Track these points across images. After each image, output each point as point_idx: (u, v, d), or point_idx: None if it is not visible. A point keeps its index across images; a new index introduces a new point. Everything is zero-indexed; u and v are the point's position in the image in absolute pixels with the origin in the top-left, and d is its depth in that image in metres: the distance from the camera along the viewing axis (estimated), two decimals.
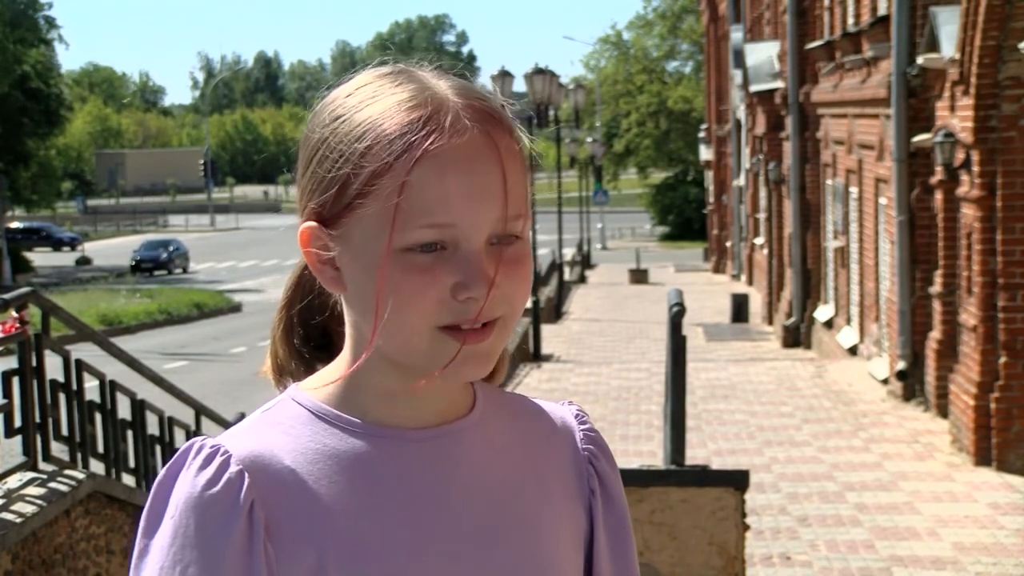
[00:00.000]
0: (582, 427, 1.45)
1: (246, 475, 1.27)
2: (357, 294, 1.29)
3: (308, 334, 1.42)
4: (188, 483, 1.27)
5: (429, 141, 1.25)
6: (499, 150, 1.27)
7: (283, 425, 1.31)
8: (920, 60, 11.90)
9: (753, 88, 22.55)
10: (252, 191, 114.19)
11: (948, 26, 10.82)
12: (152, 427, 8.30)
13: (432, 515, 1.30)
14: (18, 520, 5.91)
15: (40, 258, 54.48)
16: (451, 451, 1.33)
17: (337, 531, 1.27)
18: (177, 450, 1.40)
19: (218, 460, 1.28)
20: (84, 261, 53.54)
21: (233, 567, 1.25)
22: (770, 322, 22.70)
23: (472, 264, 1.25)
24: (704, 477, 6.41)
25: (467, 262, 1.25)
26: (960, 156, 10.58)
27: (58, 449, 6.99)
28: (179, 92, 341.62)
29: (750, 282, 30.54)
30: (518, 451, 1.38)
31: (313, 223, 1.31)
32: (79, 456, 7.13)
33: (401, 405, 1.33)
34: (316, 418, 1.32)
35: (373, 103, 1.29)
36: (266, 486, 1.27)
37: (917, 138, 12.33)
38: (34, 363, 6.67)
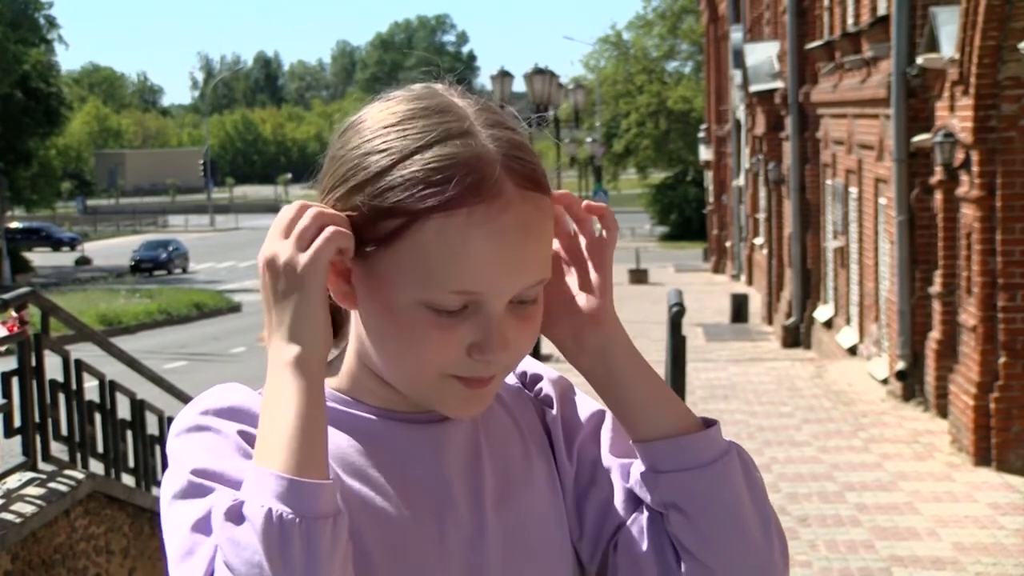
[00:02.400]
0: (518, 373, 1.50)
1: None
2: (371, 325, 1.32)
3: None
4: (215, 400, 1.32)
5: (466, 207, 1.24)
6: (533, 217, 1.28)
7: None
8: (920, 60, 11.90)
9: (753, 88, 22.55)
10: (252, 191, 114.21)
11: (948, 26, 10.82)
12: (152, 427, 8.31)
13: (431, 493, 1.35)
14: (18, 520, 5.91)
15: (40, 258, 54.48)
16: (453, 430, 1.38)
17: (344, 490, 1.31)
18: None
19: (243, 390, 1.34)
20: (84, 261, 53.55)
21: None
22: (770, 322, 22.70)
23: (491, 328, 1.28)
24: None
25: (487, 325, 1.27)
26: (960, 156, 10.58)
27: (58, 449, 6.99)
28: (179, 92, 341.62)
29: (750, 282, 30.54)
30: (503, 422, 1.43)
31: None
32: (79, 456, 7.14)
33: (398, 401, 1.37)
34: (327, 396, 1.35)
35: (414, 152, 1.27)
36: None
37: (917, 138, 12.33)
38: (34, 363, 6.67)
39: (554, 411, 1.46)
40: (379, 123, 1.30)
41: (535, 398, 1.48)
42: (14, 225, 58.13)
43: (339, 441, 1.33)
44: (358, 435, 1.34)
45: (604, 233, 1.39)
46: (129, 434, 7.88)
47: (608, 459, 1.41)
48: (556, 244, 1.38)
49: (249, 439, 1.27)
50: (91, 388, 7.37)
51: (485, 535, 1.35)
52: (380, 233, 1.27)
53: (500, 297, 1.27)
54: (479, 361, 1.28)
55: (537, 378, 1.49)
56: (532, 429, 1.45)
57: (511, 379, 1.49)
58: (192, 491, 1.24)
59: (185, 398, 8.86)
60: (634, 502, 1.37)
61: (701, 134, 45.73)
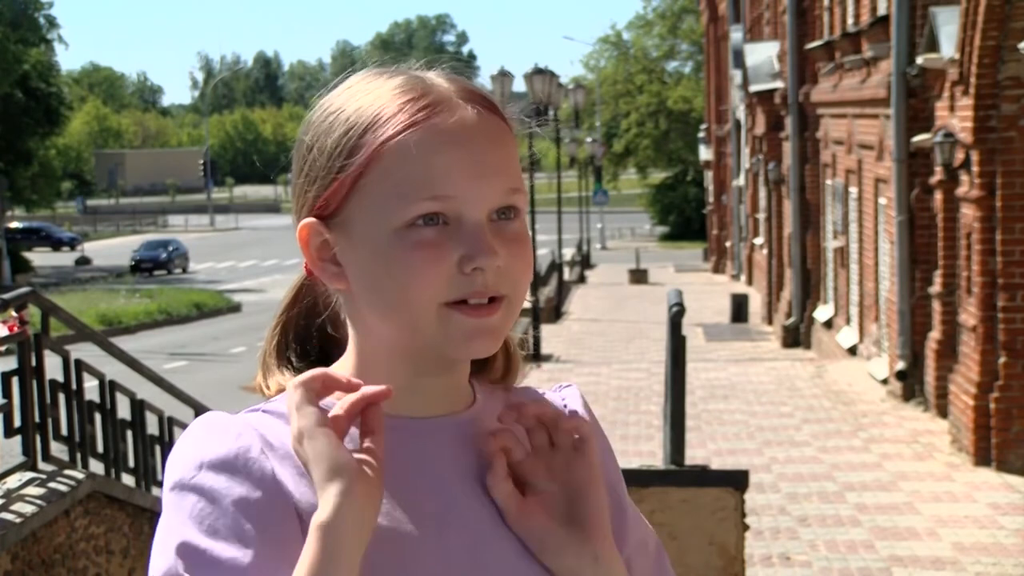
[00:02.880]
0: (568, 411, 1.45)
1: (264, 448, 1.28)
2: (363, 281, 1.30)
3: (304, 350, 1.41)
4: (211, 447, 1.27)
5: (425, 117, 1.28)
6: (493, 131, 1.30)
7: (287, 416, 1.29)
8: (920, 60, 11.90)
9: (753, 88, 22.55)
10: (252, 191, 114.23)
11: (948, 26, 10.82)
12: (152, 427, 8.30)
13: (435, 501, 1.31)
14: (18, 520, 5.91)
15: (40, 258, 54.47)
16: (454, 441, 1.34)
17: None
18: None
19: (240, 424, 1.29)
20: (84, 261, 53.54)
21: (269, 519, 1.24)
22: (770, 322, 22.70)
23: (477, 236, 1.26)
24: (704, 477, 6.41)
25: (472, 234, 1.26)
26: (960, 156, 10.58)
27: (58, 449, 6.98)
28: (179, 92, 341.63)
29: (750, 282, 30.54)
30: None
31: (311, 219, 1.31)
32: (79, 456, 7.13)
33: (406, 398, 1.33)
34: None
35: (365, 94, 1.31)
36: (278, 470, 1.27)
37: (917, 138, 12.33)
38: (34, 363, 6.66)
39: None
40: (334, 97, 1.35)
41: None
42: (14, 225, 58.10)
43: None
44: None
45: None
46: (129, 434, 7.88)
47: None
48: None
49: (244, 507, 1.24)
50: (91, 388, 7.37)
51: (492, 550, 1.32)
52: (348, 183, 1.29)
53: (477, 204, 1.27)
54: (472, 274, 1.26)
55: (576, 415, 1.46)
56: None
57: (552, 398, 1.45)
58: None
59: (185, 398, 8.86)
60: None
61: (701, 134, 45.76)
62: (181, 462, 1.27)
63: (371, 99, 1.30)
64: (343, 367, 1.35)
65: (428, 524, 1.31)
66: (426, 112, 1.28)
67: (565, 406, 1.46)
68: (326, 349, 1.41)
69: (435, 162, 1.26)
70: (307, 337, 1.42)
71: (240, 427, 1.29)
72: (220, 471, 1.25)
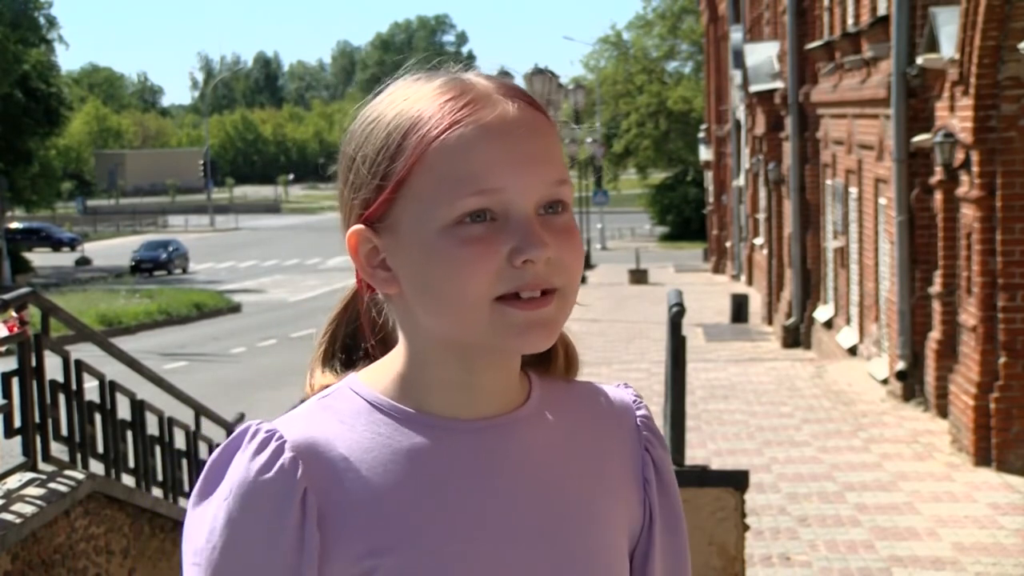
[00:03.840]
0: (639, 412, 1.46)
1: (300, 462, 1.27)
2: (414, 282, 1.30)
3: (350, 360, 1.42)
4: (243, 467, 1.28)
5: (467, 115, 1.28)
6: (535, 120, 1.31)
7: (340, 413, 1.32)
8: (920, 60, 11.90)
9: (753, 88, 22.55)
10: (252, 191, 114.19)
11: (948, 26, 10.82)
12: (152, 427, 8.30)
13: (485, 505, 1.31)
14: (18, 520, 5.91)
15: (40, 258, 54.46)
16: (506, 442, 1.34)
17: (388, 520, 1.28)
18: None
19: (273, 445, 1.28)
20: (84, 261, 53.53)
21: (284, 553, 1.26)
22: (770, 322, 22.70)
23: (526, 228, 1.26)
24: (704, 477, 6.41)
25: (520, 227, 1.26)
26: (960, 156, 10.58)
27: (58, 449, 6.98)
28: (178, 92, 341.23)
29: (750, 282, 30.53)
30: (577, 440, 1.39)
31: (359, 226, 1.32)
32: (79, 456, 7.13)
33: (458, 396, 1.33)
34: (373, 408, 1.32)
35: (404, 99, 1.32)
36: (320, 473, 1.28)
37: (917, 138, 12.33)
38: (34, 363, 6.66)
39: (652, 483, 1.44)
40: (374, 106, 1.34)
41: (641, 435, 1.45)
42: (14, 225, 58.09)
43: (396, 470, 1.30)
44: (398, 450, 1.31)
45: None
46: (129, 434, 7.88)
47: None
48: None
49: (281, 554, 1.26)
50: (91, 388, 7.37)
51: (543, 553, 1.32)
52: (393, 186, 1.29)
53: (524, 196, 1.27)
54: (523, 267, 1.26)
55: (648, 423, 1.46)
56: (619, 460, 1.41)
57: (620, 395, 1.46)
58: None
59: (185, 398, 8.85)
60: None
61: (701, 134, 45.72)
62: (225, 484, 1.29)
63: (411, 102, 1.30)
64: (391, 366, 1.35)
65: (477, 528, 1.30)
66: (468, 109, 1.28)
67: (635, 401, 1.47)
68: (372, 356, 1.41)
69: (480, 157, 1.26)
70: (353, 347, 1.42)
71: (276, 449, 1.29)
72: (266, 500, 1.27)
